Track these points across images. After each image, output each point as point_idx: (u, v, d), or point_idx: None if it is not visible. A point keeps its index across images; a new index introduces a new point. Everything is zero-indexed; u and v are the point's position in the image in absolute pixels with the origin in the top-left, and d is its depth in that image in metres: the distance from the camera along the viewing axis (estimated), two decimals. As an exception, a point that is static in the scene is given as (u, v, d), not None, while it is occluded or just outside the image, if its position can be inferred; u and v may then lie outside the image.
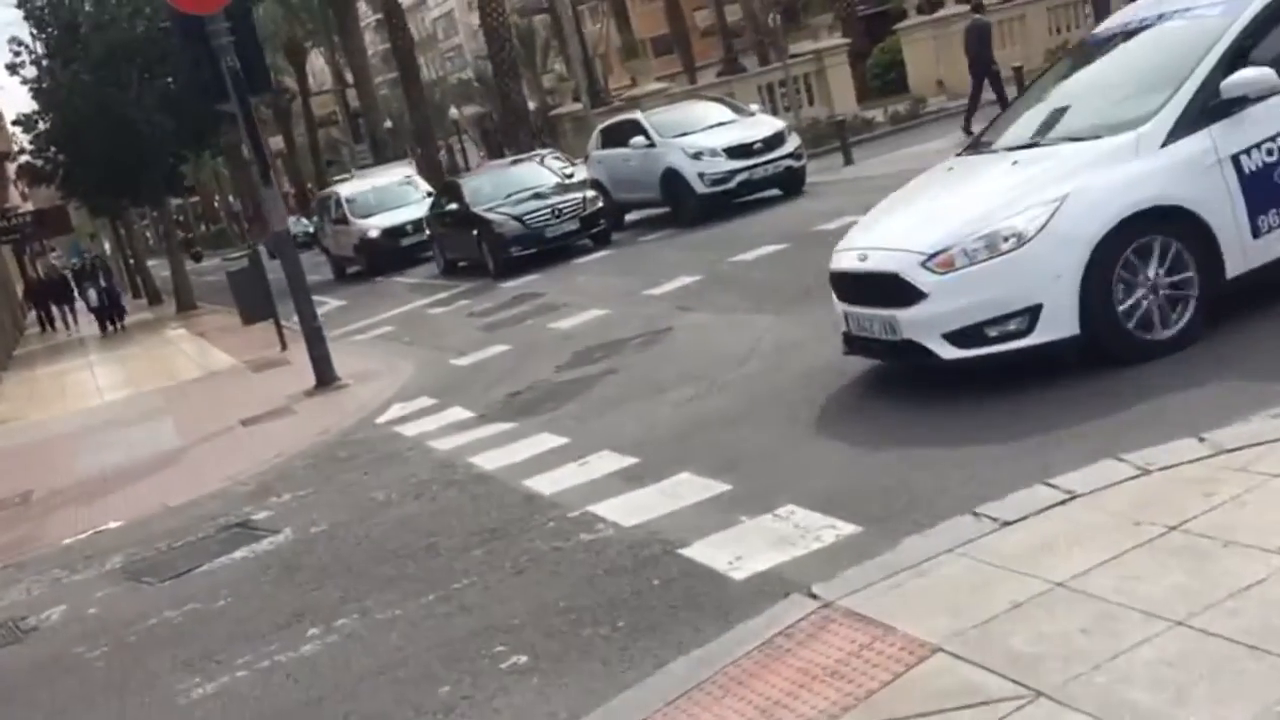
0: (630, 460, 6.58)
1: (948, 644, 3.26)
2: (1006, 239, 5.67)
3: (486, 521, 6.27)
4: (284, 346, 15.10)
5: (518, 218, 17.62)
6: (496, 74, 37.25)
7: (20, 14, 25.94)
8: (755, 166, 16.75)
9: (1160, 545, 3.49)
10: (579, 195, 17.98)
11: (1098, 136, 6.07)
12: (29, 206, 44.90)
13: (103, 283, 29.14)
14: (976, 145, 7.37)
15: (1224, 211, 5.74)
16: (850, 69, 29.86)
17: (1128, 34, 6.91)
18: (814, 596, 3.84)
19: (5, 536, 9.08)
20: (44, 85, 26.43)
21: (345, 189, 26.32)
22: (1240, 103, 5.76)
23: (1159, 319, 5.71)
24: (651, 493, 5.96)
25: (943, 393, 6.06)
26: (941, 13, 30.27)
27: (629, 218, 19.45)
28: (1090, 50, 7.38)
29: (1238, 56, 5.89)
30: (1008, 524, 3.93)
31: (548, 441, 7.55)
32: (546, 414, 8.39)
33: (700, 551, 4.95)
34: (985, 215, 5.85)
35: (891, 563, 3.91)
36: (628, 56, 38.74)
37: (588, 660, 4.28)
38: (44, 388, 19.55)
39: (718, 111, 18.83)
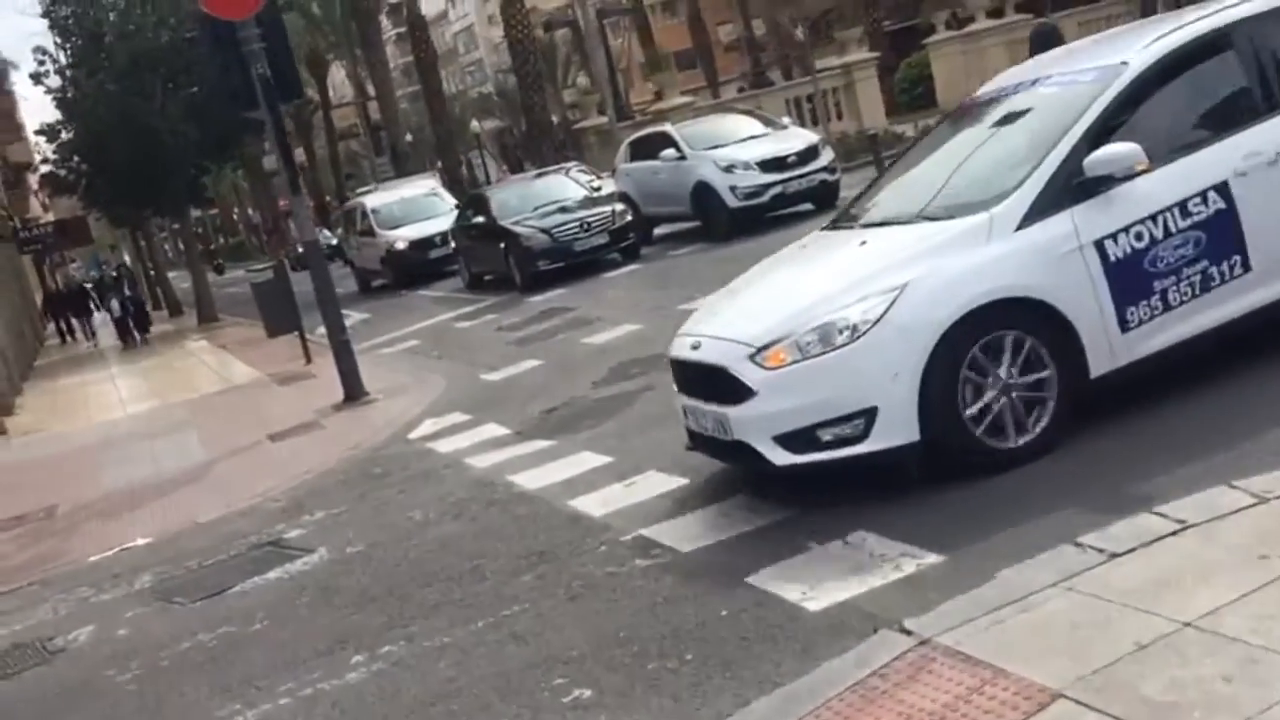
0: (680, 481, 6.31)
1: (1070, 690, 2.99)
2: (841, 331, 5.09)
3: (534, 544, 6.00)
4: (309, 360, 14.91)
5: (546, 231, 17.41)
6: (520, 87, 37.16)
7: (45, 24, 25.98)
8: (789, 180, 16.51)
9: (1297, 583, 3.20)
10: (608, 208, 17.76)
11: (951, 216, 5.48)
12: (50, 217, 45.05)
13: (127, 292, 29.00)
14: (840, 218, 6.72)
15: (1087, 303, 5.14)
16: (879, 83, 29.63)
17: (1002, 99, 6.39)
18: (908, 633, 3.57)
19: (29, 552, 8.87)
20: (68, 95, 26.39)
21: (371, 200, 26.15)
22: (1106, 182, 5.19)
23: (1012, 424, 5.09)
24: (707, 515, 5.70)
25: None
26: (971, 27, 30.07)
27: (658, 231, 19.22)
28: (965, 115, 6.78)
29: (1105, 130, 5.35)
30: (1116, 556, 3.65)
31: (589, 460, 7.29)
32: (586, 431, 8.13)
33: (768, 580, 4.68)
34: (820, 303, 5.26)
35: (991, 597, 3.63)
36: (653, 70, 38.60)
37: (657, 695, 4.02)
38: (66, 399, 19.39)
39: (749, 124, 18.62)
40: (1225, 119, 5.55)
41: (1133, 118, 5.44)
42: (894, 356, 5.01)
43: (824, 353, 5.10)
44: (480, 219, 19.26)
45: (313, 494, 8.47)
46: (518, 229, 17.73)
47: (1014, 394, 5.10)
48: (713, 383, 5.51)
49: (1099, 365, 5.20)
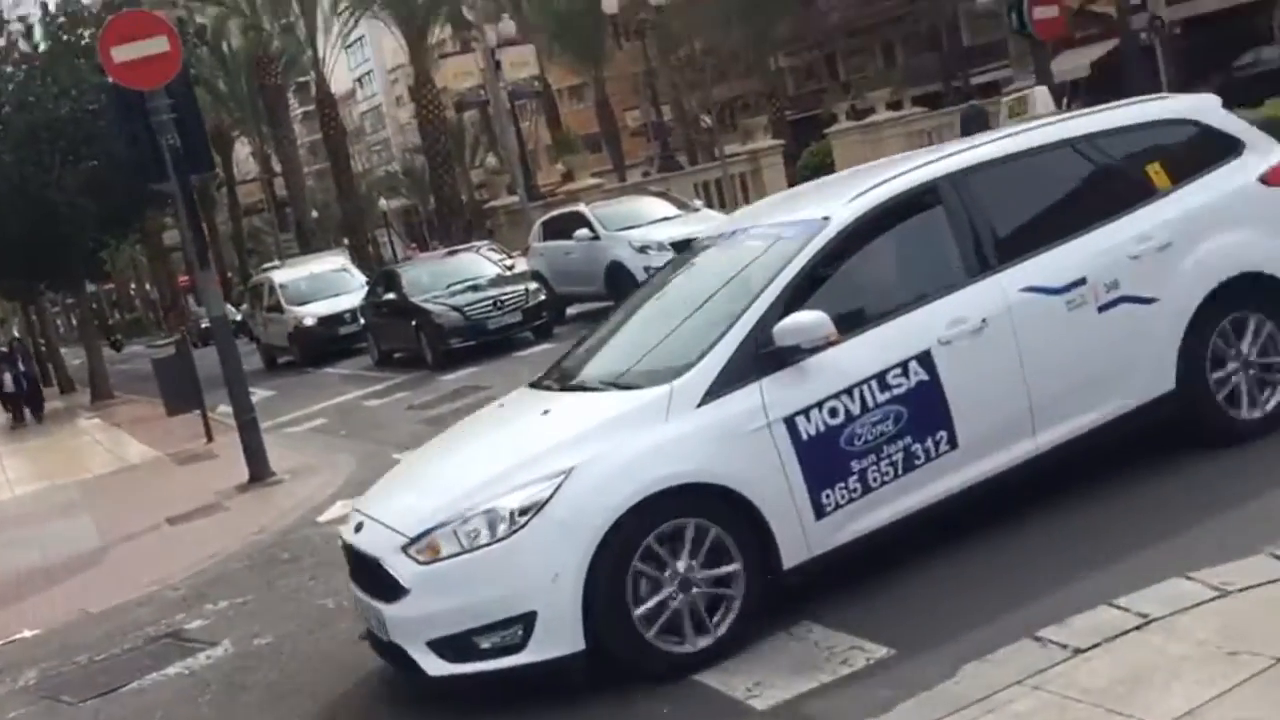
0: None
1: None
2: (500, 522, 4.46)
3: (458, 636, 5.69)
4: (210, 438, 14.37)
5: (458, 309, 17.18)
6: (430, 166, 37.19)
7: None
8: (703, 261, 16.54)
9: (1273, 679, 3.11)
10: (521, 287, 17.62)
11: (637, 386, 4.93)
12: (-65, 289, 43.33)
13: (21, 366, 27.75)
14: (548, 372, 5.99)
15: (777, 487, 4.60)
16: (784, 169, 30.22)
17: (720, 245, 5.89)
18: (870, 735, 3.39)
19: (-98, 646, 8.23)
20: (-40, 164, 25.46)
21: (279, 275, 25.64)
22: (795, 352, 4.68)
23: (690, 624, 4.50)
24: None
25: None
26: (871, 118, 30.89)
27: (571, 311, 19.11)
28: (687, 261, 6.21)
29: (803, 292, 4.86)
30: (1080, 651, 3.53)
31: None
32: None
33: (712, 675, 4.47)
34: (486, 486, 4.62)
35: (955, 694, 3.48)
36: (564, 152, 38.88)
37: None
38: (-55, 479, 18.38)
39: (662, 206, 18.73)
40: (931, 282, 5.10)
41: (833, 278, 5.02)
42: (554, 553, 4.37)
43: (483, 546, 4.45)
44: (391, 296, 18.96)
45: (216, 581, 8.03)
46: (430, 306, 17.48)
47: (695, 590, 4.49)
48: (371, 573, 4.82)
49: (793, 555, 4.64)
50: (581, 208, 18.92)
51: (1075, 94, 29.34)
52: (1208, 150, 5.64)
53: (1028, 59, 33.84)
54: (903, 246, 5.30)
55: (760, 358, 4.71)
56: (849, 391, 4.72)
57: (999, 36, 39.78)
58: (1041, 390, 5.03)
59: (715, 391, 4.67)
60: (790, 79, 57.16)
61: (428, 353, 17.39)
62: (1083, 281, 5.10)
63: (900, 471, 4.79)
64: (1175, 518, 4.82)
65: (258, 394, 19.05)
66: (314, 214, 54.62)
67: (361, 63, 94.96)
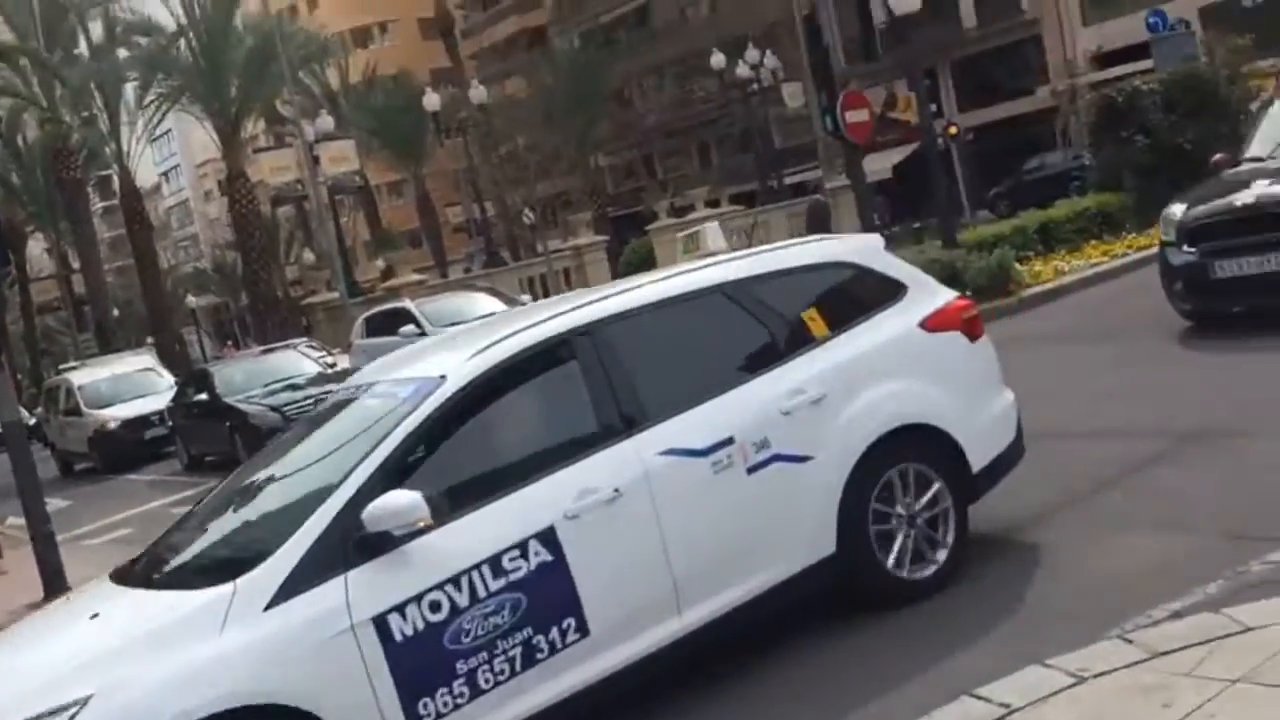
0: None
1: None
2: None
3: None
4: (-1, 554, 13.25)
5: (276, 409, 16.47)
6: (244, 262, 36.07)
7: None
8: (532, 357, 16.40)
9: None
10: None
11: (195, 585, 4.20)
12: None
13: None
14: (142, 556, 5.13)
15: (359, 701, 3.93)
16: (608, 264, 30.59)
17: (340, 405, 5.22)
18: None
19: None
20: None
21: (78, 377, 24.18)
22: (389, 540, 4.05)
23: None
24: None
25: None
26: (691, 215, 31.66)
27: (395, 409, 18.62)
28: (316, 418, 5.58)
29: (408, 466, 4.25)
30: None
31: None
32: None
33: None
34: (6, 709, 3.87)
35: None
36: (384, 248, 38.46)
37: None
38: None
39: (488, 302, 18.56)
40: (560, 448, 4.54)
41: (447, 446, 4.38)
42: None
43: None
44: (203, 396, 18.07)
45: (6, 715, 7.27)
46: (245, 407, 16.71)
47: None
48: None
49: None
50: (407, 303, 18.58)
51: (881, 194, 30.86)
52: (868, 295, 5.32)
53: (837, 160, 35.46)
54: (529, 408, 4.76)
55: (349, 547, 4.02)
56: (455, 581, 4.08)
57: (809, 139, 41.63)
58: (687, 563, 4.50)
59: (290, 589, 3.95)
60: (610, 177, 58.35)
61: (243, 455, 16.55)
62: (730, 441, 4.64)
63: (519, 668, 4.16)
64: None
65: (53, 504, 17.70)
66: (115, 312, 52.17)
67: (168, 156, 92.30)
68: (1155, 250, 14.13)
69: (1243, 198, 8.67)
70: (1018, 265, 13.48)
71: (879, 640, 4.78)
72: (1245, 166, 9.51)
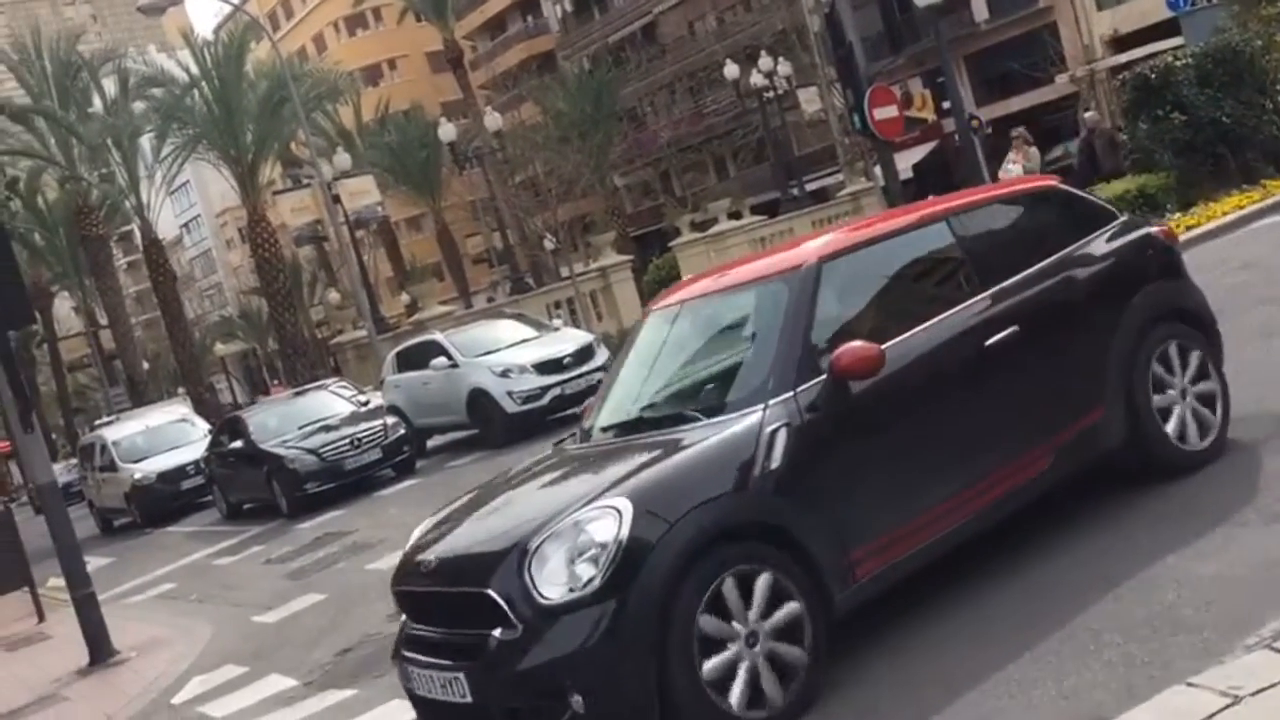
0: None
1: None
2: None
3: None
4: (42, 617, 13.03)
5: (313, 451, 16.26)
6: (270, 306, 35.97)
7: None
8: (568, 381, 16.11)
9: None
10: (378, 423, 16.81)
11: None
12: None
13: None
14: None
15: None
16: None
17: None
18: None
19: None
20: None
21: (111, 432, 24.09)
22: None
23: None
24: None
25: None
26: (715, 229, 31.37)
27: (430, 443, 18.35)
28: None
29: None
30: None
31: (406, 711, 6.27)
32: (392, 674, 7.08)
33: None
34: None
35: None
36: (414, 280, 38.27)
37: None
38: None
39: (519, 329, 18.26)
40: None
41: None
42: None
43: None
44: (238, 444, 17.84)
45: (57, 789, 7.00)
46: (281, 451, 16.50)
47: None
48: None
49: None
50: (437, 336, 18.29)
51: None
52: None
53: (858, 163, 35.13)
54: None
55: None
56: None
57: (828, 144, 41.28)
58: None
59: None
60: (628, 197, 58.15)
61: (282, 501, 16.35)
62: None
63: None
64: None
65: (94, 562, 17.62)
66: (145, 365, 52.39)
67: (188, 208, 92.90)
68: (1202, 229, 13.85)
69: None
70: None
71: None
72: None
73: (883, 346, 4.83)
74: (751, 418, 4.69)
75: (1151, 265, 5.93)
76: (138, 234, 46.62)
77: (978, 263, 5.51)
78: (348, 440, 16.34)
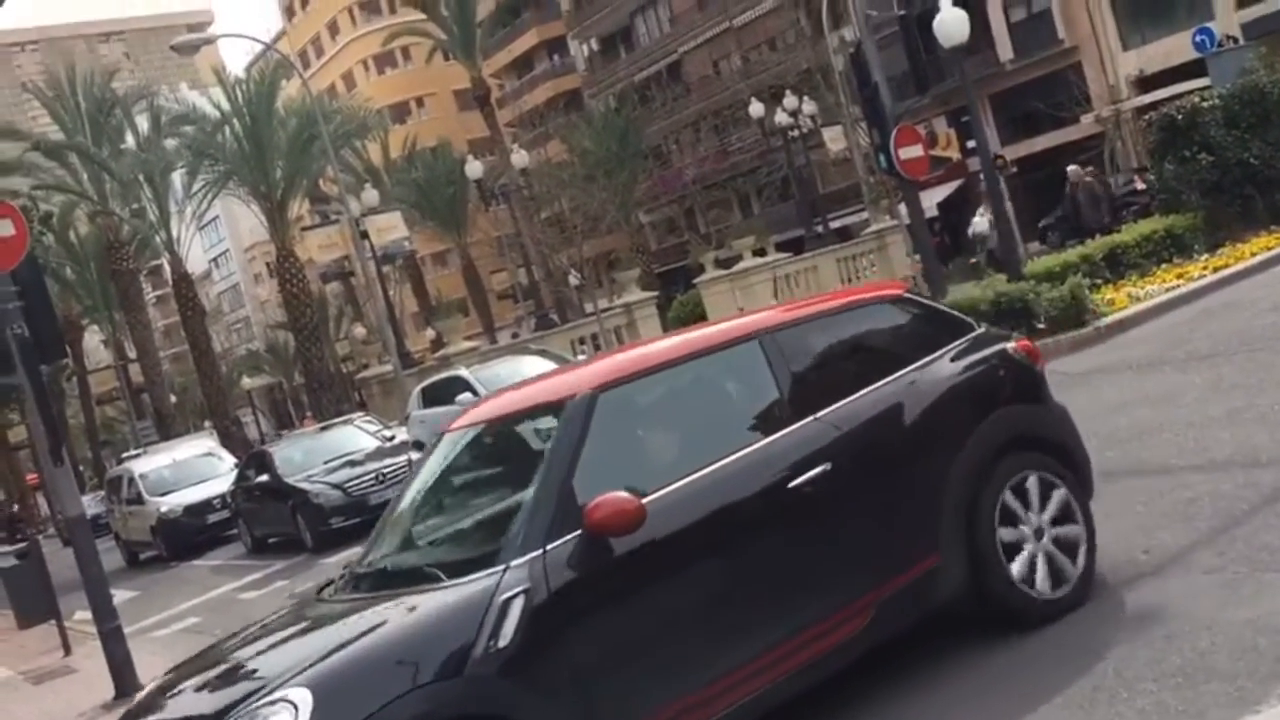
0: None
1: None
2: None
3: None
4: (68, 651, 13.06)
5: (338, 486, 16.31)
6: (297, 340, 36.22)
7: None
8: (594, 417, 16.11)
9: None
10: (404, 458, 16.84)
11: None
12: None
13: None
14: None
15: None
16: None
17: None
18: None
19: None
20: None
21: (138, 465, 24.26)
22: None
23: None
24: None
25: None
26: (740, 266, 31.41)
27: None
28: None
29: None
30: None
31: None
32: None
33: None
34: None
35: None
36: (439, 316, 38.44)
37: None
38: None
39: (543, 365, 18.27)
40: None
41: None
42: None
43: None
44: (263, 478, 17.95)
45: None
46: (306, 486, 16.57)
47: None
48: None
49: None
50: (462, 372, 18.40)
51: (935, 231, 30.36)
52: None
53: (883, 201, 35.17)
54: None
55: None
56: None
57: (852, 182, 41.35)
58: None
59: None
60: (652, 234, 58.38)
61: (306, 535, 16.39)
62: None
63: None
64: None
65: (120, 595, 17.67)
66: (173, 398, 52.76)
67: (216, 243, 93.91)
68: (1231, 270, 13.80)
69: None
70: (1089, 294, 13.02)
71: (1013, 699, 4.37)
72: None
73: (661, 492, 4.27)
74: (483, 583, 4.00)
75: (1004, 386, 5.28)
76: (167, 268, 47.14)
77: (794, 389, 4.81)
78: (373, 475, 16.38)
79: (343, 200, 28.89)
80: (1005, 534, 4.90)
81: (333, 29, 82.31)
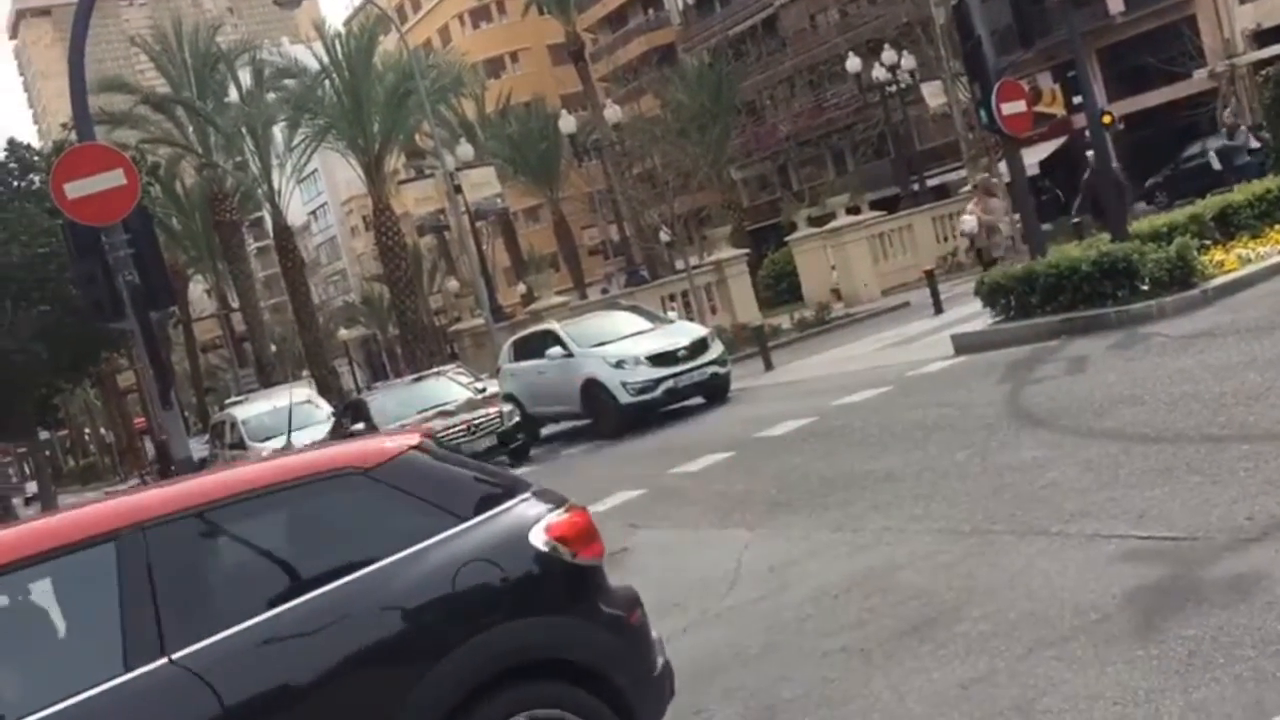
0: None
1: None
2: None
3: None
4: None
5: (430, 436, 16.58)
6: (392, 292, 36.84)
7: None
8: (681, 374, 16.17)
9: None
10: (494, 410, 17.09)
11: None
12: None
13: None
14: None
15: None
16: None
17: None
18: None
19: None
20: (-91, 314, 24.88)
21: (240, 411, 24.94)
22: None
23: None
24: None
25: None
26: (833, 224, 31.06)
27: (546, 431, 18.59)
28: None
29: None
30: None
31: None
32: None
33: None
34: None
35: None
36: (531, 270, 38.72)
37: None
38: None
39: (634, 320, 18.37)
40: None
41: None
42: None
43: None
44: (359, 426, 18.33)
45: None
46: (401, 435, 16.88)
47: None
48: None
49: None
50: (553, 326, 18.53)
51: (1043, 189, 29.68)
52: None
53: (981, 159, 34.41)
54: None
55: None
56: None
57: (951, 139, 40.54)
58: None
59: None
60: (744, 191, 57.97)
61: (400, 483, 16.71)
62: None
63: None
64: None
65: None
66: (273, 348, 54.11)
67: (315, 196, 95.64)
68: (1349, 231, 13.23)
69: None
70: (1198, 255, 12.59)
71: None
72: None
73: None
74: None
75: (507, 593, 3.85)
76: (268, 220, 48.24)
77: (164, 611, 3.41)
78: (464, 426, 16.63)
79: (438, 154, 29.17)
80: None
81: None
